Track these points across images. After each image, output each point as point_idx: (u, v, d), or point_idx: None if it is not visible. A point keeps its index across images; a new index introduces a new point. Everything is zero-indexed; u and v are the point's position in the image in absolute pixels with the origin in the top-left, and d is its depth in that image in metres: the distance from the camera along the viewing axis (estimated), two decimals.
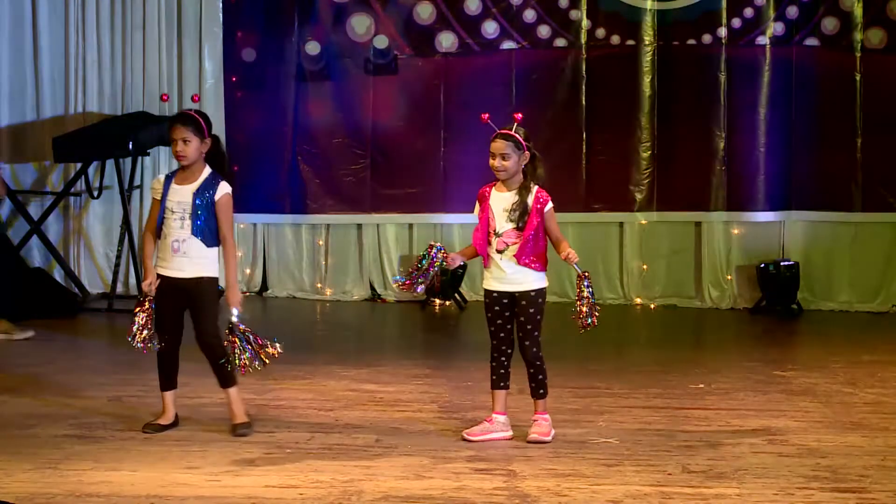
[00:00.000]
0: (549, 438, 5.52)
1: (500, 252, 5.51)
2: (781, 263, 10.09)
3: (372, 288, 10.54)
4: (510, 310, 5.53)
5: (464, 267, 10.11)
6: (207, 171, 5.61)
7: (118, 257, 9.92)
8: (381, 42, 10.36)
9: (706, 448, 5.46)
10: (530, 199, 5.47)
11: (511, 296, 5.51)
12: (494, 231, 5.52)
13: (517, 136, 5.49)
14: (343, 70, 10.40)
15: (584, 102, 10.18)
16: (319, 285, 10.60)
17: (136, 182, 10.24)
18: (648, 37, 10.16)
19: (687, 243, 10.37)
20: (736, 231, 10.35)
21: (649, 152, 10.18)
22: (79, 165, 9.94)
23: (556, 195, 5.59)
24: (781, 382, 7.05)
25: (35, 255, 10.28)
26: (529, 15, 10.25)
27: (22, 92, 10.47)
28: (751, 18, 10.15)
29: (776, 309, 10.05)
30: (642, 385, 6.84)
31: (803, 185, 10.18)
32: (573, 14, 10.21)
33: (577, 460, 5.22)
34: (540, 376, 5.58)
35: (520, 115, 5.57)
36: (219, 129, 10.07)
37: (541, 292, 5.52)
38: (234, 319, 5.49)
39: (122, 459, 5.15)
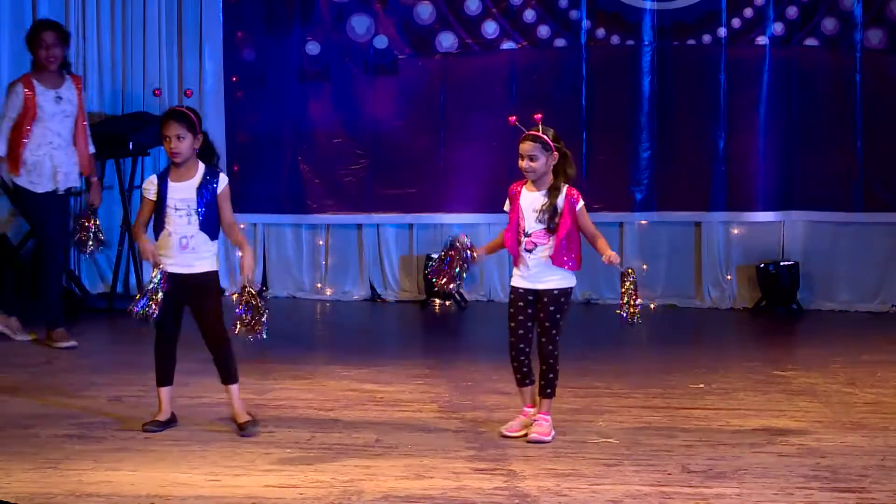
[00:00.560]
0: (549, 439, 5.54)
1: (528, 251, 5.54)
2: (781, 263, 10.09)
3: (372, 288, 10.54)
4: (533, 307, 5.56)
5: None
6: (202, 166, 5.67)
7: (118, 257, 9.91)
8: (381, 42, 10.35)
9: (706, 448, 5.46)
10: (560, 200, 5.52)
11: (535, 293, 5.54)
12: (524, 231, 5.54)
13: (545, 136, 5.52)
14: (343, 70, 10.39)
15: (584, 102, 10.18)
16: (319, 285, 10.60)
17: (136, 182, 10.23)
18: (648, 37, 10.16)
19: (687, 243, 10.37)
20: (736, 231, 10.35)
21: (649, 152, 10.18)
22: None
23: None
24: (781, 382, 7.05)
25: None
26: (529, 15, 10.25)
27: None
28: (751, 18, 10.14)
29: (776, 309, 10.06)
30: (642, 385, 6.84)
31: (803, 186, 10.17)
32: (573, 14, 10.21)
33: (577, 460, 5.23)
34: (550, 375, 5.61)
35: (539, 115, 5.61)
36: (219, 129, 10.10)
37: (565, 292, 5.56)
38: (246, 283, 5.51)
39: (122, 459, 5.16)
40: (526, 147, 5.57)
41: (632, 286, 5.48)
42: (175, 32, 10.46)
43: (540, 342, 5.57)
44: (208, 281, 5.66)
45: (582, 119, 10.15)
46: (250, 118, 10.42)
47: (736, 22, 10.13)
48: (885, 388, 6.86)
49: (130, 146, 9.63)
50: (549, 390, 5.63)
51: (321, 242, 10.63)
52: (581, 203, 5.57)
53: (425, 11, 10.30)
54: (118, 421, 5.81)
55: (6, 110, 8.03)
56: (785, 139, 10.16)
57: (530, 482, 4.87)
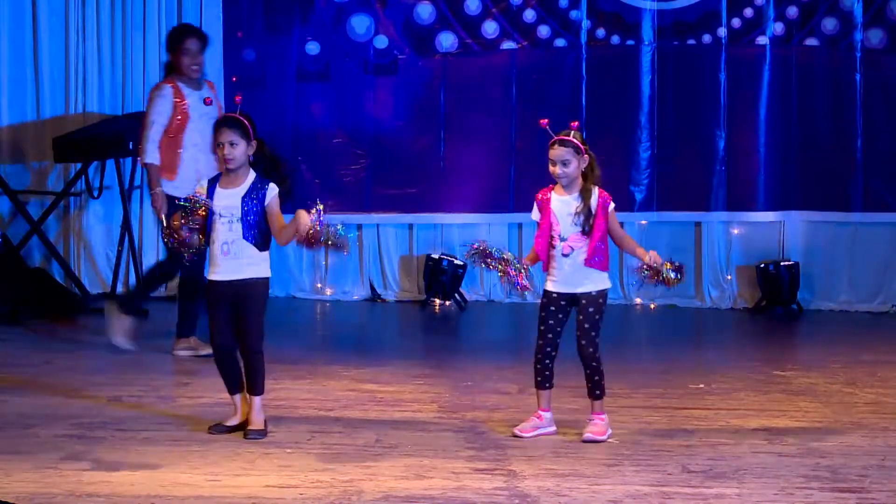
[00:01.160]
0: (604, 438, 5.55)
1: (566, 256, 5.53)
2: (781, 263, 10.09)
3: (372, 288, 10.54)
4: (566, 312, 5.57)
5: (464, 266, 10.12)
6: (252, 174, 5.62)
7: (118, 257, 9.91)
8: (381, 42, 10.35)
9: (706, 448, 5.46)
10: (593, 202, 5.52)
11: (572, 297, 5.55)
12: (559, 236, 5.54)
13: (575, 140, 5.53)
14: (343, 70, 10.39)
15: (583, 102, 10.18)
16: (319, 285, 10.60)
17: (136, 182, 10.23)
18: (648, 37, 10.16)
19: (687, 243, 10.37)
20: (736, 231, 10.35)
21: (649, 152, 10.18)
22: (79, 165, 9.94)
23: None
24: (781, 382, 7.05)
25: (35, 255, 10.27)
26: (529, 15, 10.25)
27: (22, 92, 10.47)
28: (751, 18, 10.14)
29: (776, 309, 10.06)
30: (642, 385, 6.84)
31: (803, 185, 10.17)
32: (573, 14, 10.21)
33: (577, 460, 5.23)
34: (596, 377, 5.61)
35: (576, 122, 5.66)
36: None
37: (602, 293, 5.57)
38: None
39: (122, 459, 5.15)
40: (559, 152, 5.56)
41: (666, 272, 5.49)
42: None
43: (580, 345, 5.56)
44: (252, 289, 5.54)
45: (582, 119, 10.14)
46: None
47: (736, 22, 10.14)
48: (885, 388, 6.86)
49: (130, 146, 9.63)
50: (597, 391, 5.64)
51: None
52: (613, 205, 5.59)
53: (425, 11, 10.30)
54: (118, 421, 5.81)
55: (152, 115, 7.57)
56: (785, 139, 10.16)
57: (530, 482, 4.87)
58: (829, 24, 10.09)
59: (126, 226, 9.80)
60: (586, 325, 5.54)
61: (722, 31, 10.13)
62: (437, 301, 10.26)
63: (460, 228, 10.40)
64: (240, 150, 5.56)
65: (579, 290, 5.55)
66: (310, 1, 10.36)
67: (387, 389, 6.72)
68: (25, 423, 5.79)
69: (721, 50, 10.13)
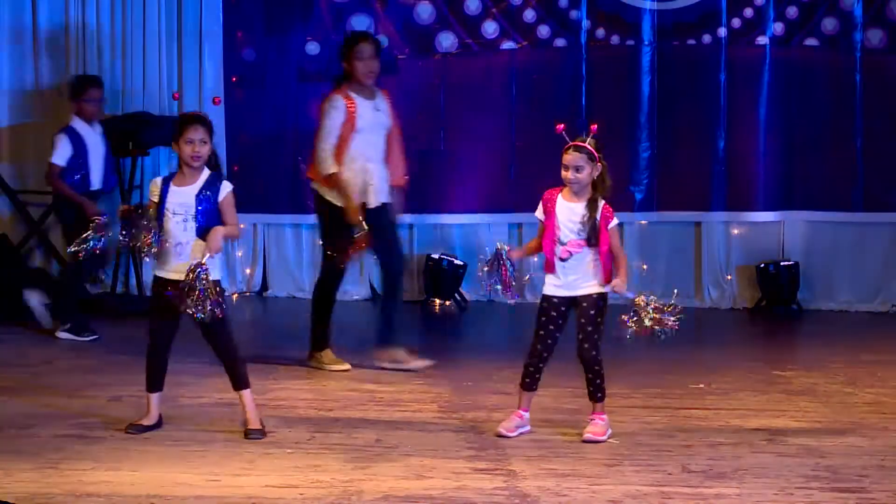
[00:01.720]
0: (604, 438, 5.56)
1: (563, 260, 5.53)
2: (781, 263, 10.09)
3: (372, 288, 10.53)
4: (565, 317, 5.57)
5: (464, 266, 10.12)
6: (206, 172, 5.65)
7: (118, 258, 9.90)
8: (381, 42, 10.34)
9: (706, 448, 5.47)
10: (599, 215, 5.51)
11: (571, 300, 5.54)
12: (559, 240, 5.53)
13: (590, 147, 5.53)
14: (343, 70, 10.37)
15: (584, 102, 10.18)
16: None
17: (136, 182, 10.23)
18: (648, 37, 10.16)
19: (687, 243, 10.37)
20: (736, 231, 10.35)
21: (649, 152, 10.18)
22: None
23: None
24: (781, 382, 7.05)
25: (35, 254, 10.26)
26: (529, 15, 10.25)
27: (22, 92, 10.46)
28: (751, 18, 10.14)
29: (776, 309, 10.05)
30: (642, 385, 6.84)
31: (803, 185, 10.17)
32: (573, 14, 10.21)
33: (577, 460, 5.23)
34: (598, 381, 5.61)
35: (595, 126, 5.64)
36: (219, 129, 10.06)
37: (603, 296, 5.57)
38: (204, 262, 5.37)
39: (122, 459, 5.16)
40: (572, 158, 5.56)
41: (654, 311, 5.48)
42: (175, 32, 10.45)
43: (582, 348, 5.56)
44: None
45: (582, 119, 10.14)
46: (250, 118, 10.41)
47: (736, 22, 10.13)
48: (885, 388, 6.86)
49: (130, 146, 9.61)
50: (598, 394, 5.65)
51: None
52: (615, 222, 5.58)
53: (425, 11, 10.29)
54: (118, 421, 5.81)
55: (327, 126, 7.37)
56: (785, 139, 10.16)
57: (530, 482, 4.87)
58: (829, 24, 10.08)
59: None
60: (589, 328, 5.53)
61: (722, 32, 10.13)
62: (437, 301, 10.26)
63: (460, 228, 10.40)
64: (207, 148, 5.61)
65: (578, 293, 5.54)
66: (310, 1, 10.35)
67: (387, 389, 6.72)
68: (25, 423, 5.80)
69: (721, 50, 10.13)
